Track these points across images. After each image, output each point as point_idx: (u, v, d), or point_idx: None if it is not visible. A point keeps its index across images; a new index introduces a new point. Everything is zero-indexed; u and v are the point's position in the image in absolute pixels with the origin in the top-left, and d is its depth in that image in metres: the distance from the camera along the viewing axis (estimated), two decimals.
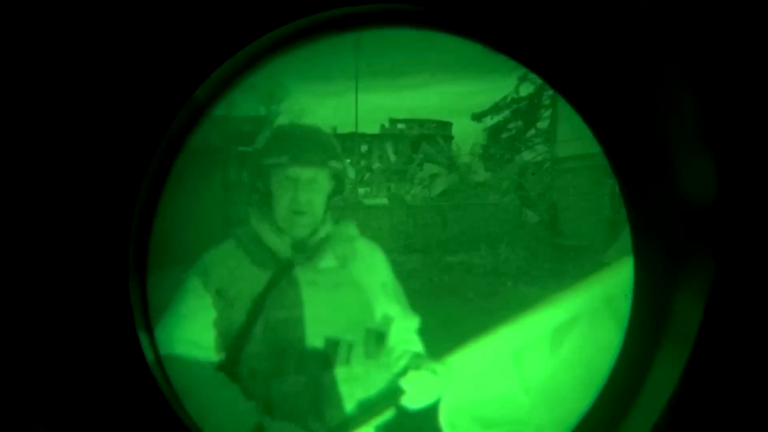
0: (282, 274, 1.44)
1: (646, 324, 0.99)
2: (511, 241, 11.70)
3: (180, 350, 1.35)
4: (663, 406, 0.86)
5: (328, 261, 1.50)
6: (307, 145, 1.44)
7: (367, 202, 11.33)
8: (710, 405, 0.85)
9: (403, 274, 1.71)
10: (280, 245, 1.46)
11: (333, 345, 1.41)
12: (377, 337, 1.50)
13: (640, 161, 0.99)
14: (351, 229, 1.57)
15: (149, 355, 1.00)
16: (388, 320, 1.48)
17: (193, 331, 1.39)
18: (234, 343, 1.39)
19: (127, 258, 0.99)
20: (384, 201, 11.61)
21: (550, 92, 12.28)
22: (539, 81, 12.24)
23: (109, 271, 0.96)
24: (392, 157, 13.79)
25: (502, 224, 12.28)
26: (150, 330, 1.07)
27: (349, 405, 1.42)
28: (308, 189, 1.43)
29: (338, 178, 1.50)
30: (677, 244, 0.94)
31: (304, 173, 1.43)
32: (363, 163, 13.49)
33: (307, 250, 1.47)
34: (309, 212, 1.45)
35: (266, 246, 1.46)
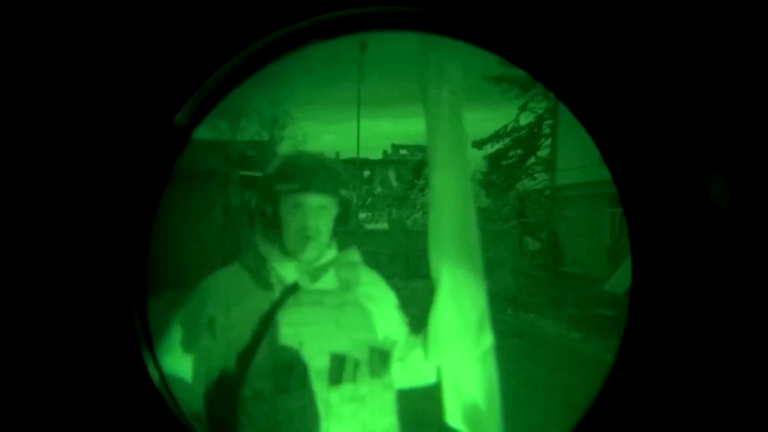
0: (288, 294, 1.49)
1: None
2: (512, 268, 11.66)
3: (187, 371, 1.40)
4: None
5: (332, 283, 1.55)
6: (318, 173, 1.51)
7: (369, 226, 11.41)
8: None
9: (402, 299, 1.74)
10: (287, 267, 1.52)
11: (339, 362, 1.44)
12: (381, 356, 1.52)
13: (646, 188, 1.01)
14: (354, 255, 1.61)
15: (155, 377, 1.01)
16: (391, 342, 1.51)
17: (198, 352, 1.43)
18: (239, 362, 1.43)
19: (128, 282, 1.01)
20: (385, 226, 11.66)
21: (550, 122, 12.38)
22: (539, 111, 12.40)
23: (111, 294, 0.98)
24: (394, 183, 13.82)
25: (503, 251, 12.26)
26: (153, 352, 1.08)
27: (354, 424, 1.44)
28: (316, 215, 1.52)
29: (345, 205, 1.56)
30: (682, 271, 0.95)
31: (314, 200, 1.50)
32: (365, 188, 13.52)
33: (313, 272, 1.52)
34: (316, 237, 1.52)
35: (272, 268, 1.51)
